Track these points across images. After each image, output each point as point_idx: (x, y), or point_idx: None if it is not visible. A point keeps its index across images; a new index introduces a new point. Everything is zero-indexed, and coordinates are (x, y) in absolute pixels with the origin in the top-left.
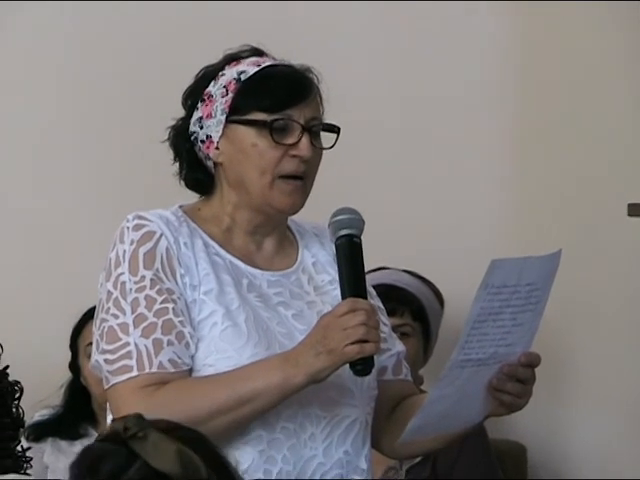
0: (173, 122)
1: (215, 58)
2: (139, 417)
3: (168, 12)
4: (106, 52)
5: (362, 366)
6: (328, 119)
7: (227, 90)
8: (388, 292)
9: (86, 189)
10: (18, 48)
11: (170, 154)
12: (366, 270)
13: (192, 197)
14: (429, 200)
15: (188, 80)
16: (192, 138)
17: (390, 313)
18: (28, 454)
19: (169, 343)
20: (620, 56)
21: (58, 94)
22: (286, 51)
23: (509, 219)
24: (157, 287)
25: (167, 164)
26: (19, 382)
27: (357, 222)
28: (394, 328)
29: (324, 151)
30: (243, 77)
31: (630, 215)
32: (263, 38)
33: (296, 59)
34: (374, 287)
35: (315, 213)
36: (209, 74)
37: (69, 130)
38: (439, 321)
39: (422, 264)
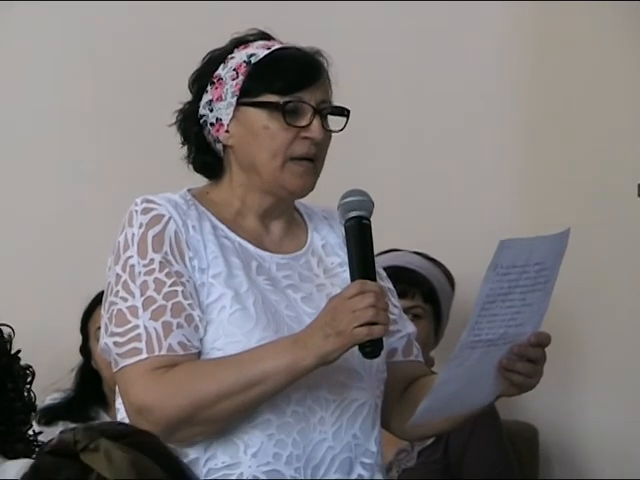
0: (180, 106)
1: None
2: (88, 428)
3: (171, 6)
4: (110, 45)
5: (371, 348)
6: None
7: (237, 73)
8: (399, 274)
9: (97, 177)
10: (20, 43)
11: (178, 140)
12: (377, 252)
13: (200, 183)
14: (440, 183)
15: (193, 67)
16: (201, 121)
17: (401, 295)
18: (40, 438)
19: (178, 326)
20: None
21: (66, 84)
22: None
23: (519, 202)
24: (166, 270)
25: (176, 151)
26: (31, 366)
27: (366, 204)
28: (405, 310)
29: (337, 134)
30: (253, 60)
31: None
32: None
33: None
34: (385, 269)
35: (325, 196)
36: (217, 57)
37: (78, 120)
38: (450, 303)
39: (433, 246)
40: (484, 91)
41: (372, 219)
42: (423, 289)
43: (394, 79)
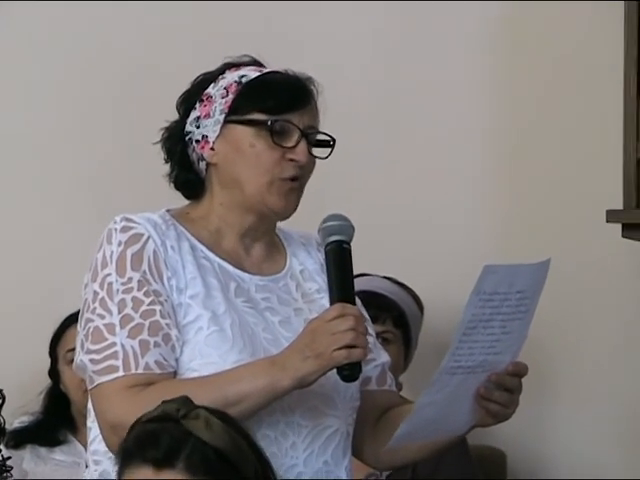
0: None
1: (213, 62)
2: (187, 399)
3: (167, 18)
4: (102, 55)
5: (349, 371)
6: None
7: (227, 91)
8: (369, 299)
9: (70, 194)
10: (12, 51)
11: (161, 159)
12: None
13: (181, 203)
14: (411, 208)
15: (185, 83)
16: (187, 138)
17: (371, 320)
18: (8, 463)
19: (156, 344)
20: (612, 58)
21: (53, 99)
22: (272, 43)
23: (490, 228)
24: (144, 289)
25: (157, 170)
26: (1, 390)
27: (347, 228)
28: (376, 335)
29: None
30: (245, 80)
31: (608, 221)
32: (260, 38)
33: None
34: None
35: (301, 219)
36: (207, 79)
37: (58, 138)
38: (419, 328)
39: (402, 271)
40: (460, 124)
41: None
42: (393, 314)
43: (371, 103)
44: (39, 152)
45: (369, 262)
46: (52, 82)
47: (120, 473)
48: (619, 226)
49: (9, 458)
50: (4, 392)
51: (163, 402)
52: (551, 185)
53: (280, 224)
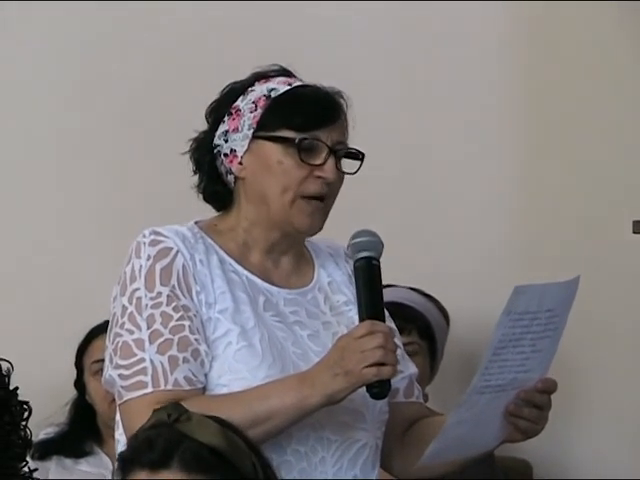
0: (194, 134)
1: (232, 68)
2: (177, 405)
3: (193, 19)
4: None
5: (379, 389)
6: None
7: (256, 106)
8: (395, 310)
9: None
10: (22, 56)
11: (189, 170)
12: None
13: (209, 215)
14: (435, 221)
15: (213, 89)
16: (215, 151)
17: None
18: (35, 475)
19: (185, 360)
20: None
21: (74, 102)
22: (288, 55)
23: (512, 240)
24: (173, 304)
25: (186, 182)
26: (28, 402)
27: (376, 245)
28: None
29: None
30: (273, 94)
31: (635, 232)
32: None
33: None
34: None
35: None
36: (236, 89)
37: (84, 146)
38: (445, 339)
39: (428, 282)
40: (480, 126)
41: None
42: (419, 325)
43: (385, 110)
44: (64, 159)
45: (395, 274)
46: (78, 86)
47: None
48: None
49: (36, 470)
50: (30, 404)
51: (154, 411)
52: (577, 196)
53: None
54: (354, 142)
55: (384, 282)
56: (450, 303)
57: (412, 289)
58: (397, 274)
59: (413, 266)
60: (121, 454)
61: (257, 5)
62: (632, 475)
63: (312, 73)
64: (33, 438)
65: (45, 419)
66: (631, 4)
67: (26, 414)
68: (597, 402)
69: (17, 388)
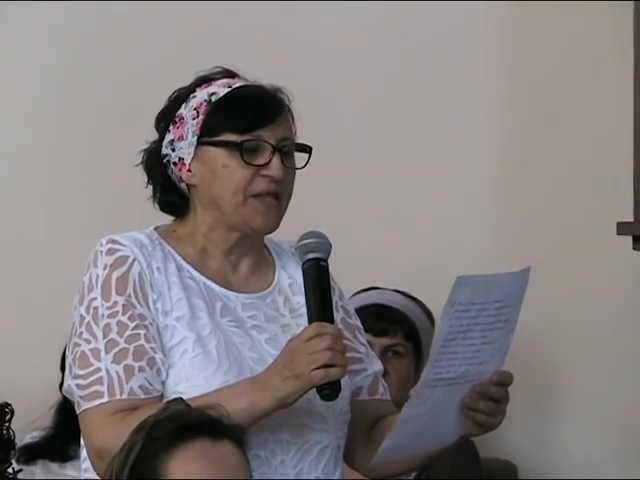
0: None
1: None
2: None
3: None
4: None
5: (329, 391)
6: (316, 136)
7: (198, 112)
8: (380, 312)
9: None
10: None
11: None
12: (357, 290)
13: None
14: (419, 221)
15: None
16: (165, 161)
17: (382, 333)
18: (19, 477)
19: (140, 369)
20: (624, 64)
21: (56, 107)
22: (273, 50)
23: (503, 242)
24: (129, 313)
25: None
26: (9, 404)
27: (324, 246)
28: (386, 348)
29: (313, 168)
30: (214, 98)
31: (619, 234)
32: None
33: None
34: (366, 307)
35: (301, 231)
36: (180, 96)
37: (63, 150)
38: (430, 340)
39: (412, 284)
40: (462, 124)
41: (353, 256)
42: (404, 327)
43: (365, 111)
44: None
45: (380, 276)
46: (59, 88)
47: (161, 461)
48: (629, 238)
49: (20, 471)
50: (12, 407)
51: (167, 402)
52: (561, 197)
53: (272, 235)
54: (338, 141)
55: (370, 284)
56: (435, 305)
57: (397, 291)
58: (382, 276)
59: (398, 268)
60: (153, 437)
61: (257, 5)
62: (617, 475)
63: (309, 74)
64: (19, 442)
65: (30, 423)
66: (617, 4)
67: (8, 416)
68: (581, 402)
69: None
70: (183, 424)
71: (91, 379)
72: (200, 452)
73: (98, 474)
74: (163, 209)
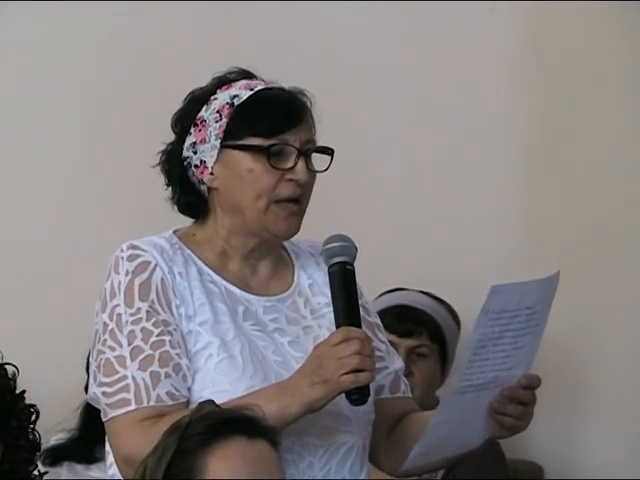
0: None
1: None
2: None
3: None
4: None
5: (358, 395)
6: (334, 136)
7: (221, 115)
8: (405, 313)
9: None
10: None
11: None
12: (382, 291)
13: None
14: (445, 223)
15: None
16: (185, 163)
17: (407, 334)
18: (45, 479)
19: (166, 375)
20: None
21: (65, 110)
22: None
23: (525, 242)
24: (153, 319)
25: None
26: (35, 405)
27: (349, 249)
28: (411, 349)
29: (340, 171)
30: (237, 101)
31: None
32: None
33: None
34: (391, 308)
35: (322, 232)
36: (199, 98)
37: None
38: (456, 342)
39: (439, 285)
40: (485, 132)
41: (377, 258)
42: (429, 328)
43: (394, 112)
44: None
45: (406, 277)
46: (77, 91)
47: (199, 457)
48: None
49: (46, 473)
50: (38, 408)
51: (199, 404)
52: (587, 197)
53: None
54: (362, 145)
55: (395, 285)
56: (460, 305)
57: (423, 292)
58: (408, 277)
59: (424, 269)
60: (190, 434)
61: (256, 5)
62: None
63: (313, 77)
64: (44, 444)
65: (56, 424)
66: (635, 4)
67: (33, 417)
68: (607, 403)
69: (24, 392)
70: (220, 421)
71: (117, 387)
72: (237, 449)
73: None
74: (182, 210)
